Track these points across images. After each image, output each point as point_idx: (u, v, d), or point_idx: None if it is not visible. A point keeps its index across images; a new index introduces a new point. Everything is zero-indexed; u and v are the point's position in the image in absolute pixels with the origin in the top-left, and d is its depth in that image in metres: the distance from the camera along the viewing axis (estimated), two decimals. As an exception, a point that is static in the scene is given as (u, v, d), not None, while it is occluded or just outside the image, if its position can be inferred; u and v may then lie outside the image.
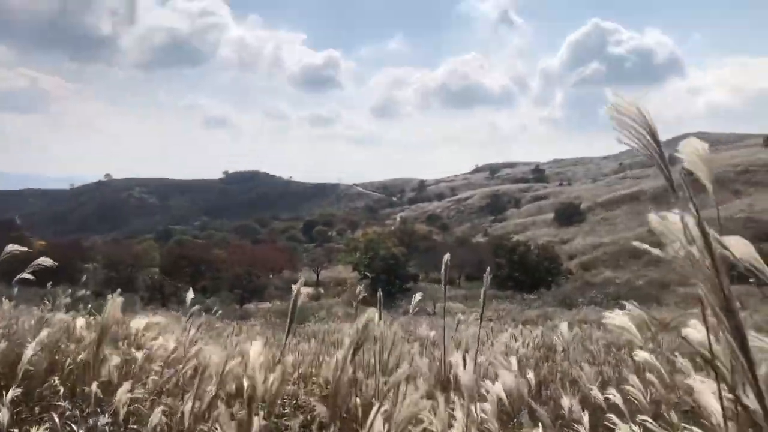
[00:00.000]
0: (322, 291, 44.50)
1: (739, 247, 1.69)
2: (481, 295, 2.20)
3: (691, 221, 0.87)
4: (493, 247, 49.14)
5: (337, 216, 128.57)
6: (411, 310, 2.96)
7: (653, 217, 0.88)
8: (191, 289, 3.65)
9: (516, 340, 8.44)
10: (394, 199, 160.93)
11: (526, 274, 42.47)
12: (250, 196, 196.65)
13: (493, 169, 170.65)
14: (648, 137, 1.11)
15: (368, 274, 41.58)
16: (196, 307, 3.50)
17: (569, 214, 73.39)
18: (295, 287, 1.88)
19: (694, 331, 2.03)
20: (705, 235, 0.85)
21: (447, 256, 2.20)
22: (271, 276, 46.79)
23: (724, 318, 0.83)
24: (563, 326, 3.88)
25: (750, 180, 62.68)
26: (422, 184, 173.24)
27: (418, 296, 2.98)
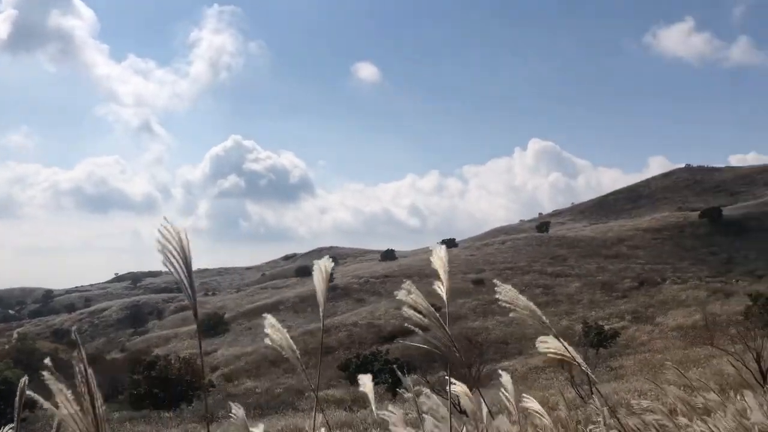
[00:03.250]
0: None
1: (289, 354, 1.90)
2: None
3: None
4: (131, 363, 45.21)
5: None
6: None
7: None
8: None
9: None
10: (12, 312, 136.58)
11: (166, 391, 39.95)
12: None
13: (135, 278, 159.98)
14: (182, 265, 1.19)
15: (-35, 405, 33.55)
16: None
17: (213, 325, 72.63)
18: None
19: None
20: (92, 397, 0.87)
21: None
22: None
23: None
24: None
25: (370, 290, 72.40)
26: (49, 295, 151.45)
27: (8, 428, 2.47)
